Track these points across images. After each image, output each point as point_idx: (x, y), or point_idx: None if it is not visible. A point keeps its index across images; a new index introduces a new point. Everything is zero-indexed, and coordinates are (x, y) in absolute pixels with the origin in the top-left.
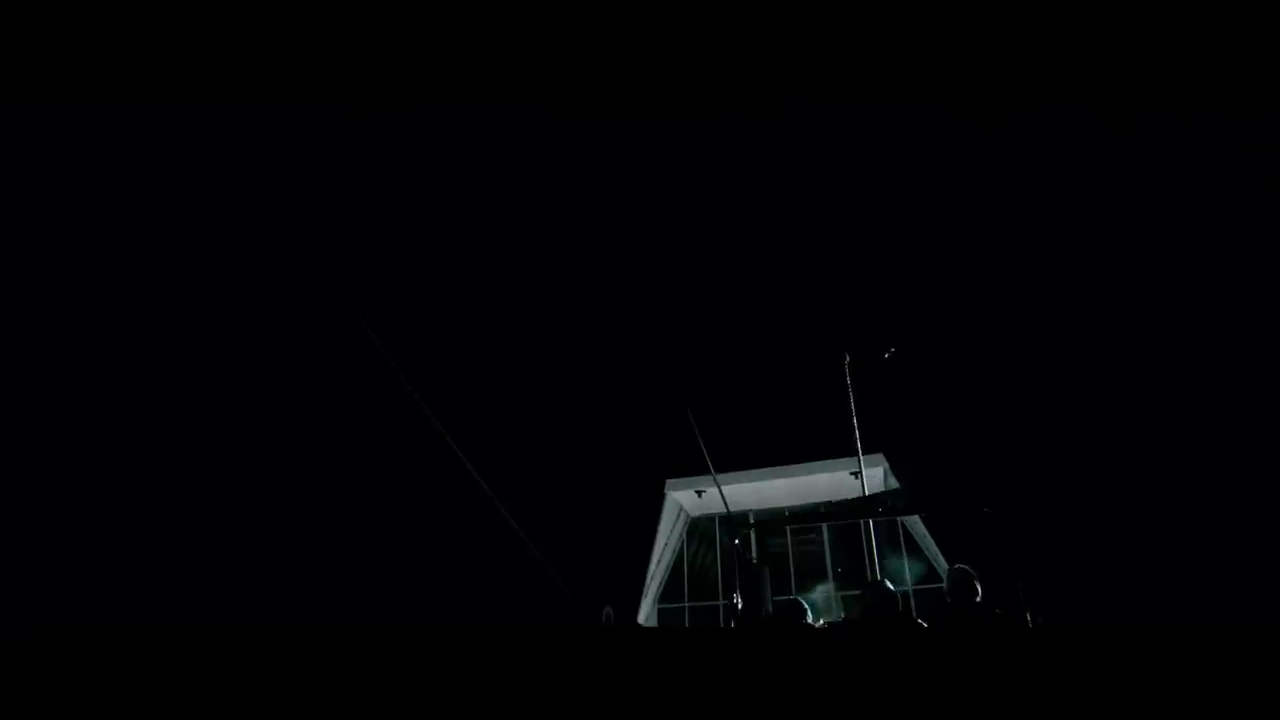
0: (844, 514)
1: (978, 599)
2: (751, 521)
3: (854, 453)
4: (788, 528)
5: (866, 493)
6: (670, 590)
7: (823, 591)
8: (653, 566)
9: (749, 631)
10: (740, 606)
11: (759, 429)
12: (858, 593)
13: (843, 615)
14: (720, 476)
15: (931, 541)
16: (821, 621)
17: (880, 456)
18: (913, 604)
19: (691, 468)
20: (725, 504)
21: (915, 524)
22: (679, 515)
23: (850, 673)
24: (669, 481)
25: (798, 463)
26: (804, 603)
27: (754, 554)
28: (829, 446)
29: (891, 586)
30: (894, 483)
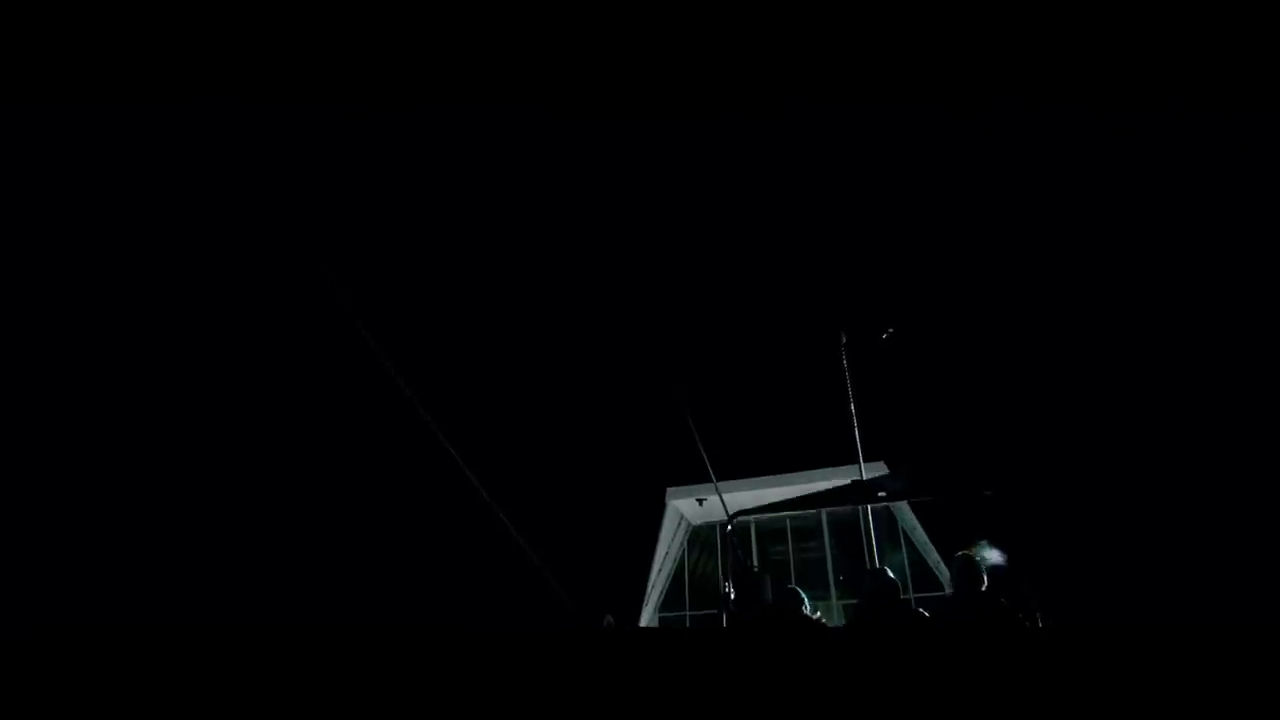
0: (842, 499)
1: (983, 587)
2: (738, 512)
3: (853, 447)
4: (788, 535)
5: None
6: (671, 599)
7: (823, 585)
8: (654, 575)
9: (744, 627)
10: (734, 596)
11: (760, 436)
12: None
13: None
14: (721, 484)
15: (933, 549)
16: (819, 613)
17: (881, 464)
18: (911, 597)
19: (692, 476)
20: (726, 511)
21: (915, 531)
22: (680, 523)
23: (849, 667)
24: (670, 490)
25: (799, 470)
26: (801, 592)
27: (754, 561)
28: (830, 454)
29: (892, 575)
30: None
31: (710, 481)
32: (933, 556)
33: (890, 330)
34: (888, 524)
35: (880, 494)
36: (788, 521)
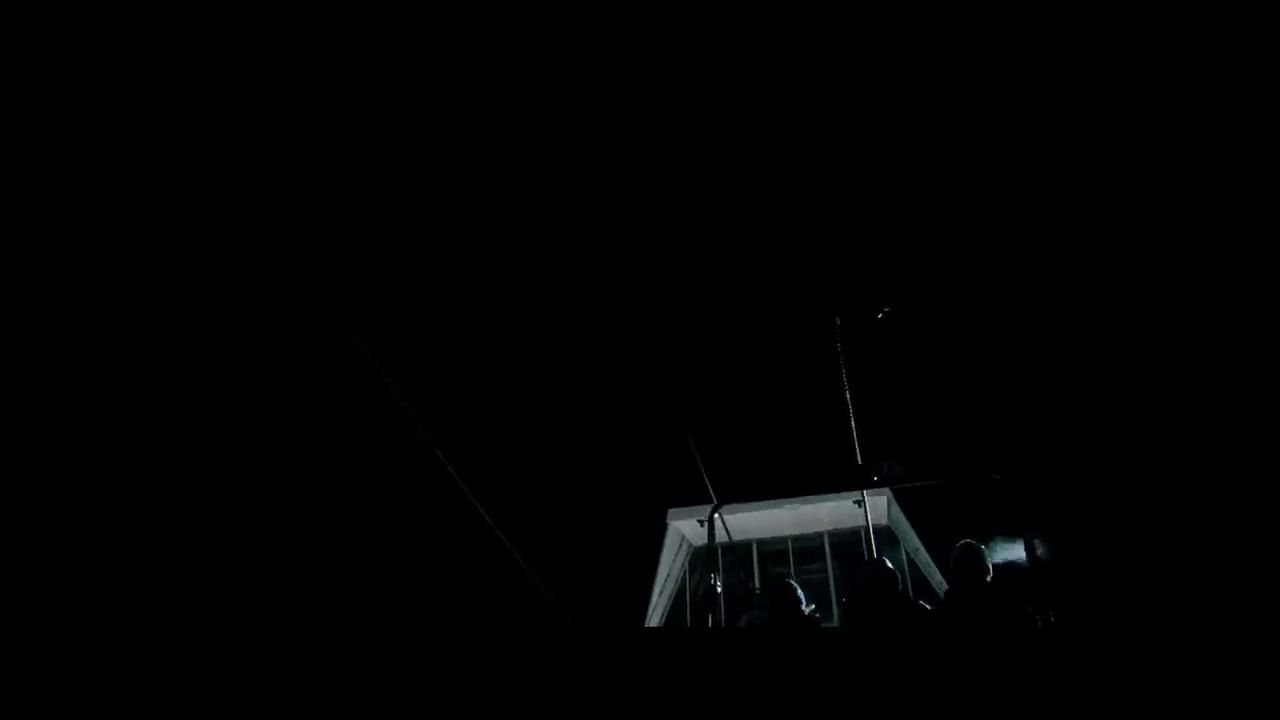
0: (837, 485)
1: (988, 578)
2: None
3: (851, 443)
4: (790, 558)
5: (870, 522)
6: (673, 619)
7: (826, 607)
8: (654, 597)
9: (739, 626)
10: (720, 590)
11: (763, 458)
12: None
13: None
14: (723, 505)
15: (935, 570)
16: (813, 607)
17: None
18: (910, 589)
19: (694, 497)
20: (729, 534)
21: (919, 552)
22: (681, 545)
23: (847, 665)
24: (671, 511)
25: (801, 493)
26: (796, 586)
27: (756, 584)
28: (832, 475)
29: (890, 566)
30: (897, 512)
31: (712, 503)
32: (935, 578)
33: (886, 310)
34: (890, 545)
35: (875, 478)
36: (789, 544)
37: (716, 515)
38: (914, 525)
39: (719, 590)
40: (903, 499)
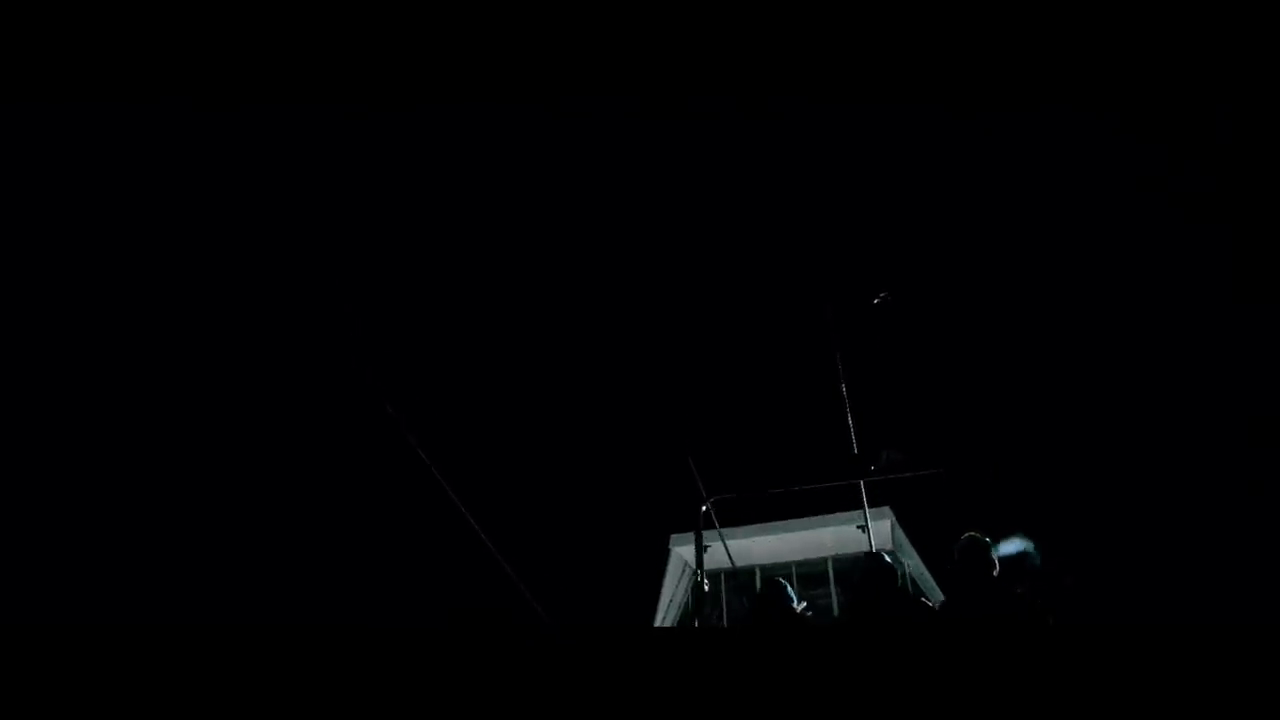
0: (835, 477)
1: (994, 572)
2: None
3: (849, 444)
4: (794, 582)
5: (873, 547)
6: None
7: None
8: (658, 621)
9: (731, 626)
10: (708, 589)
11: (765, 481)
12: None
13: None
14: (725, 531)
15: (939, 591)
16: (804, 604)
17: (887, 509)
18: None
19: (697, 522)
20: (730, 557)
21: (924, 577)
22: (684, 570)
23: (843, 667)
24: (673, 536)
25: (804, 516)
26: (786, 584)
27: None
28: (835, 500)
29: (890, 560)
30: (901, 536)
31: (715, 528)
32: (936, 596)
33: (884, 295)
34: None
35: (872, 468)
36: (793, 569)
37: (708, 511)
38: (916, 547)
39: (706, 589)
40: (905, 521)
